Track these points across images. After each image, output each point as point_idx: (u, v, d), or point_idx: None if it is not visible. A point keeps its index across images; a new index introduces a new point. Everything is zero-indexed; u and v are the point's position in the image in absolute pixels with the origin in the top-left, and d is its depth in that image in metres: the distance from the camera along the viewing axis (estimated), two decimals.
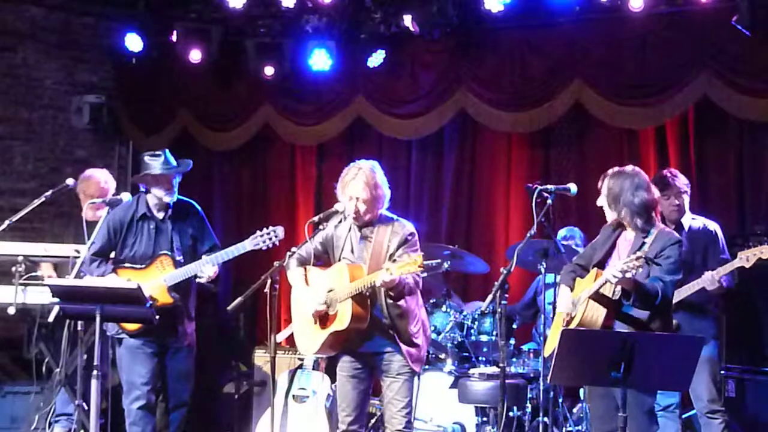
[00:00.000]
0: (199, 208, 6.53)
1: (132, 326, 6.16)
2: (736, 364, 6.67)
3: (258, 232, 6.10)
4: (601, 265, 5.32)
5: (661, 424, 6.18)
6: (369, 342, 5.42)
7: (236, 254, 6.18)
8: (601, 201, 5.36)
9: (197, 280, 6.28)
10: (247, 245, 6.13)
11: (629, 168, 5.37)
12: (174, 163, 6.36)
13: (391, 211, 5.59)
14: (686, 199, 6.30)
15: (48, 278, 6.70)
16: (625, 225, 5.32)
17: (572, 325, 5.18)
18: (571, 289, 5.44)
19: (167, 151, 6.39)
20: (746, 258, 5.92)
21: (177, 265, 6.20)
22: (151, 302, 5.87)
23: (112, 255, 6.38)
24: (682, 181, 6.30)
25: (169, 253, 6.24)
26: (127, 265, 6.27)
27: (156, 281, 6.15)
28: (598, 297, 5.11)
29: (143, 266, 6.23)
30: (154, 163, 6.26)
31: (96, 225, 6.52)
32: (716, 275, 6.01)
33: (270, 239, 6.07)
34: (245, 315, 8.80)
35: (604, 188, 5.34)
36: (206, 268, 6.13)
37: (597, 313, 5.10)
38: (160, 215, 6.36)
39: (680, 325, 6.18)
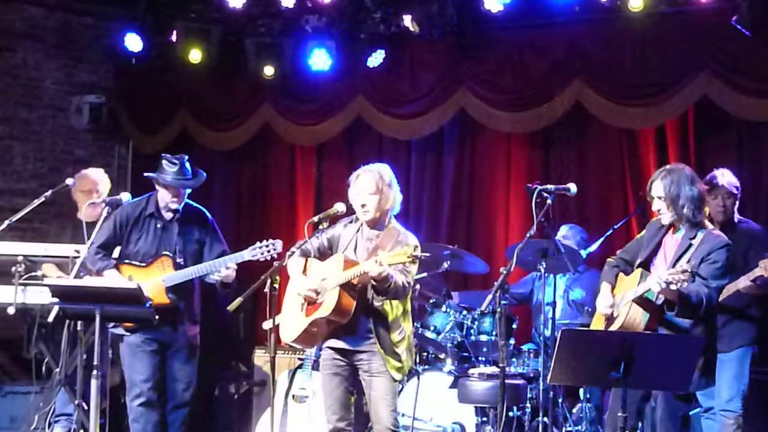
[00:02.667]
0: (209, 215, 6.58)
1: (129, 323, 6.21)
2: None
3: (257, 243, 6.15)
4: (647, 264, 5.31)
5: (705, 426, 6.18)
6: (350, 338, 5.42)
7: (236, 262, 6.23)
8: (658, 204, 5.26)
9: (211, 278, 6.31)
10: (245, 255, 6.18)
11: (676, 164, 5.37)
12: (189, 172, 6.40)
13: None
14: (734, 201, 6.21)
15: (47, 278, 6.70)
16: (675, 225, 5.27)
17: (614, 327, 5.18)
18: (613, 286, 5.42)
19: (186, 159, 6.42)
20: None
21: (176, 267, 6.27)
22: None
23: (117, 250, 6.45)
24: (731, 182, 6.20)
25: (170, 254, 6.30)
26: (129, 261, 6.34)
27: (155, 280, 6.22)
28: (641, 301, 5.10)
29: (145, 264, 6.30)
30: (169, 170, 6.32)
31: (95, 225, 6.54)
32: (746, 278, 5.93)
33: (268, 251, 6.12)
34: (245, 315, 8.79)
35: (658, 190, 5.23)
36: (223, 269, 6.17)
37: (639, 317, 5.10)
38: (168, 216, 6.42)
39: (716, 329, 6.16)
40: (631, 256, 5.49)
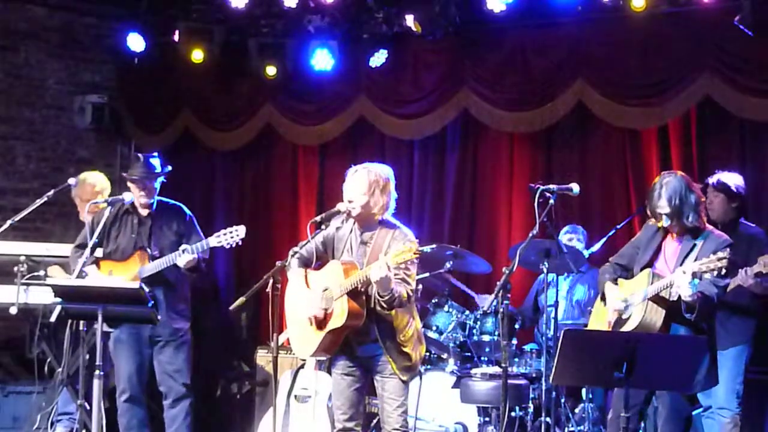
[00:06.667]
0: (186, 211, 6.74)
1: None
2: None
3: (221, 231, 6.32)
4: (648, 267, 5.29)
5: (705, 425, 6.18)
6: (361, 346, 5.42)
7: (203, 249, 6.37)
8: (667, 219, 5.22)
9: (184, 268, 6.43)
10: (211, 241, 6.36)
11: (671, 172, 5.35)
12: (156, 167, 6.56)
13: (394, 211, 5.57)
14: (725, 200, 6.27)
15: (50, 279, 6.73)
16: (676, 231, 5.25)
17: (629, 327, 5.16)
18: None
19: (155, 155, 6.63)
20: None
21: (151, 259, 6.45)
22: None
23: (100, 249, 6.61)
24: (720, 181, 6.29)
25: (147, 248, 6.48)
26: (110, 257, 6.54)
27: (132, 273, 6.41)
28: (657, 299, 5.09)
29: (123, 259, 6.50)
30: (134, 165, 6.55)
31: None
32: (750, 271, 5.96)
33: (232, 237, 6.28)
34: (247, 315, 8.80)
35: (663, 207, 5.20)
36: (182, 257, 6.32)
37: (656, 316, 5.10)
38: (144, 212, 6.61)
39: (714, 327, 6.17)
40: (627, 260, 5.47)
